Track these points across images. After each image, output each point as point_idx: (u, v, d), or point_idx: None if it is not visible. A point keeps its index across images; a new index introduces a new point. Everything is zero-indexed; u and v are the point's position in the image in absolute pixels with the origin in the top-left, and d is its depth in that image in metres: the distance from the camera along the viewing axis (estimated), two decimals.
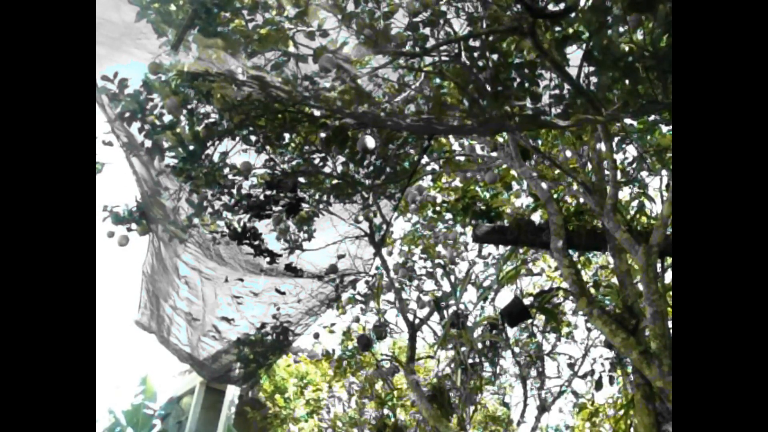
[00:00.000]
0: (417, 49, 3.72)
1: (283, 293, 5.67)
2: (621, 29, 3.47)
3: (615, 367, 7.00)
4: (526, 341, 8.29)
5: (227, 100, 4.11)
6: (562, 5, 3.46)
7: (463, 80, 3.79)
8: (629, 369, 5.97)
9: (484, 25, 3.68)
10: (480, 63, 3.68)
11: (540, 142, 5.82)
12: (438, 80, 4.40)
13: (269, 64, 3.75)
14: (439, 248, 7.59)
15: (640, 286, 4.41)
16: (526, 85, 3.68)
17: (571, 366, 8.40)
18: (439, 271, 7.67)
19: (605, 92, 3.53)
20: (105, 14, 3.47)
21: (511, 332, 7.87)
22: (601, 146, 5.08)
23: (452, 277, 7.57)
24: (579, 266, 6.27)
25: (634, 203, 5.78)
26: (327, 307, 6.08)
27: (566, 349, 10.96)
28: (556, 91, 3.71)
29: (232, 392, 13.19)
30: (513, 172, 6.15)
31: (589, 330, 8.18)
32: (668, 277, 5.53)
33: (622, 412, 6.48)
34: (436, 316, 7.56)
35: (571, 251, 5.31)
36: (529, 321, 7.53)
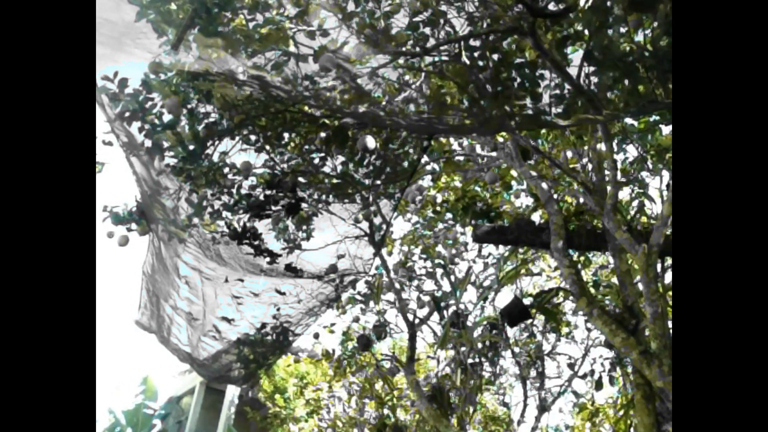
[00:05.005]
0: (417, 48, 3.72)
1: (283, 293, 5.66)
2: (621, 29, 3.47)
3: (615, 367, 7.00)
4: (526, 341, 8.29)
5: (227, 100, 4.11)
6: (562, 5, 3.45)
7: (463, 80, 3.79)
8: (629, 369, 5.97)
9: (485, 25, 3.68)
10: (480, 63, 3.68)
11: (540, 142, 5.82)
12: (438, 80, 4.40)
13: (269, 63, 3.75)
14: (439, 248, 7.59)
15: (640, 286, 4.41)
16: (527, 85, 3.68)
17: (571, 366, 8.40)
18: (439, 271, 7.67)
19: (605, 92, 3.53)
20: (105, 14, 3.47)
21: (511, 332, 7.88)
22: (601, 146, 5.09)
23: (452, 277, 7.57)
24: (579, 266, 6.27)
25: (634, 203, 5.78)
26: (327, 307, 6.07)
27: (566, 349, 10.97)
28: (557, 91, 3.71)
29: (232, 392, 13.20)
30: (513, 172, 6.16)
31: (589, 330, 8.18)
32: (668, 277, 5.53)
33: (622, 412, 6.49)
34: (436, 316, 7.56)
35: (571, 251, 5.32)
36: (529, 321, 7.53)
